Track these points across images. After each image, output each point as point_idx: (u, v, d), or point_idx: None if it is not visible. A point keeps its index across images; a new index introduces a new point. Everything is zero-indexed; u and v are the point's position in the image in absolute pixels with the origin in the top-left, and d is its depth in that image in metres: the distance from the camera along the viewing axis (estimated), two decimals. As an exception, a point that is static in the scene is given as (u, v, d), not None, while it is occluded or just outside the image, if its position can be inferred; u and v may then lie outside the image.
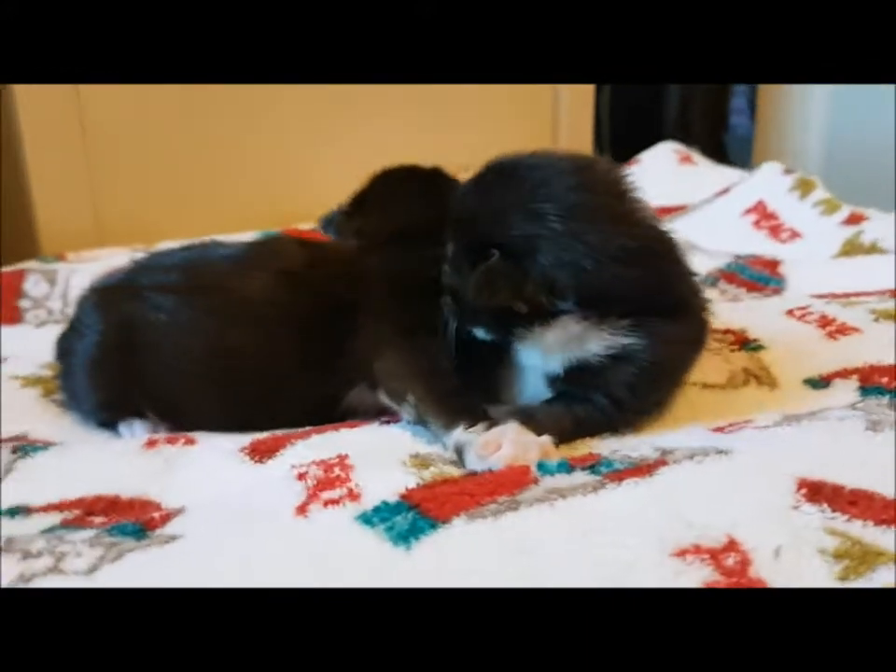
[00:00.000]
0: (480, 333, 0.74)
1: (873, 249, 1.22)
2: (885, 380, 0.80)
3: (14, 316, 1.05)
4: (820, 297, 1.04)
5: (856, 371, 0.83)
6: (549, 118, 1.88)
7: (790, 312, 0.99)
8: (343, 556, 0.53)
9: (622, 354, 0.71)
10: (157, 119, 1.43)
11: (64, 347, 0.86)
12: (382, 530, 0.54)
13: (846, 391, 0.81)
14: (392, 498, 0.58)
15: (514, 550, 0.51)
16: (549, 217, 0.68)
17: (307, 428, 0.74)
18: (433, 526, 0.54)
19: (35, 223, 1.32)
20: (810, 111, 2.21)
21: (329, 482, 0.62)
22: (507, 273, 0.68)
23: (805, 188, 1.39)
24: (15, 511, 0.64)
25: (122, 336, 0.81)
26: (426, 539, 0.53)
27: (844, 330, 0.92)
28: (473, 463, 0.66)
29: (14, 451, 0.72)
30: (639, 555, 0.50)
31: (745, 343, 0.92)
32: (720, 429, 0.73)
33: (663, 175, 1.64)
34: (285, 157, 1.58)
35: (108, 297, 0.84)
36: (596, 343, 0.70)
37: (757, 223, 1.40)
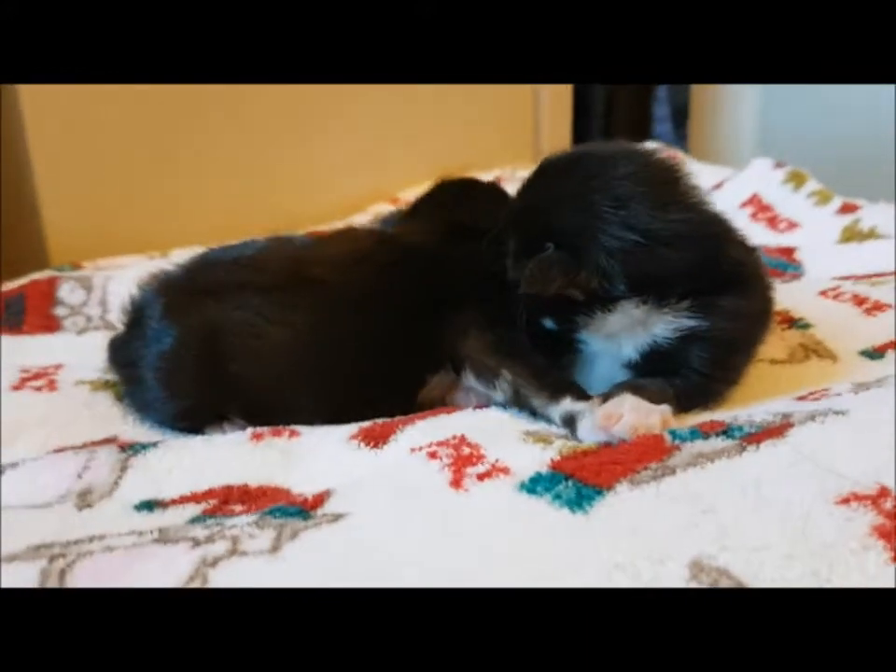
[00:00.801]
0: (547, 324, 0.76)
1: (872, 235, 1.28)
2: (933, 348, 0.85)
3: (51, 325, 1.03)
4: (844, 279, 1.10)
5: (904, 341, 0.88)
6: (530, 118, 1.92)
7: (823, 293, 1.04)
8: (523, 522, 0.54)
9: (689, 335, 0.74)
10: (155, 126, 1.41)
11: (127, 355, 0.83)
12: (550, 498, 0.56)
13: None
14: (543, 469, 0.60)
15: (696, 509, 0.53)
16: (598, 207, 0.71)
17: (406, 416, 0.75)
18: (600, 493, 0.55)
19: (42, 233, 1.29)
20: (741, 113, 2.31)
21: (466, 458, 0.63)
22: (559, 262, 0.70)
23: (797, 180, 1.46)
24: (149, 505, 0.63)
25: (205, 341, 0.78)
26: (599, 504, 0.54)
27: (879, 307, 0.97)
28: (587, 433, 0.69)
29: (123, 449, 0.71)
30: (811, 506, 0.53)
31: (792, 321, 0.96)
32: (803, 398, 0.77)
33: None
34: (280, 159, 1.58)
35: (180, 300, 0.81)
36: (662, 326, 0.74)
37: (754, 215, 1.46)
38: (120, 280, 1.08)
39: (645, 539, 0.51)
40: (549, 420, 0.73)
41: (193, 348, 0.78)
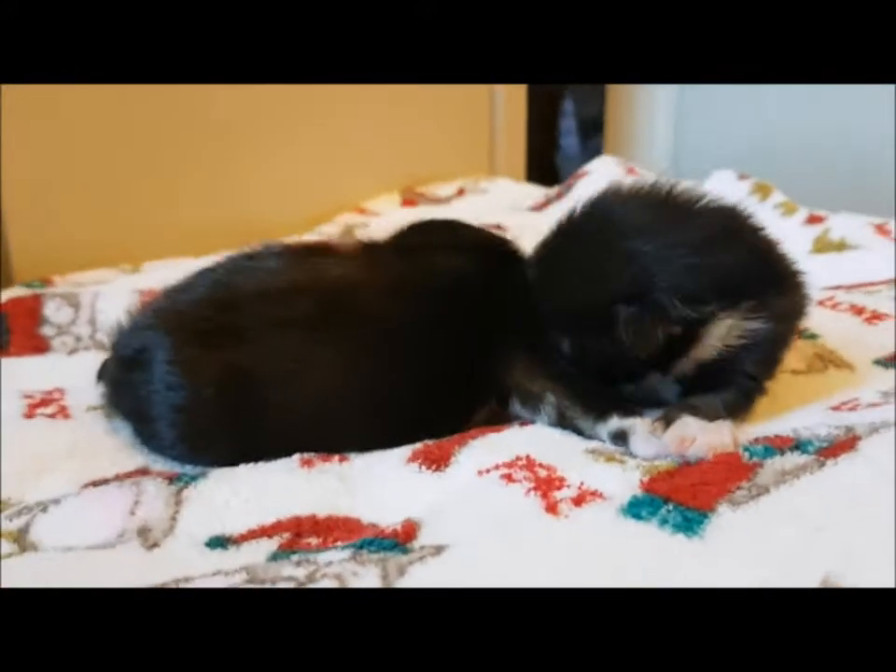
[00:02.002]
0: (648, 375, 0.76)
1: (843, 245, 1.33)
2: (941, 357, 0.89)
3: (40, 345, 0.97)
4: (834, 289, 1.13)
5: (913, 350, 0.91)
6: (486, 130, 1.92)
7: (820, 303, 1.06)
8: (638, 548, 0.53)
9: (749, 337, 0.75)
10: (121, 137, 1.35)
11: (131, 401, 0.76)
12: (657, 523, 0.55)
13: (914, 369, 0.88)
14: (637, 493, 0.59)
15: (807, 528, 0.53)
16: (639, 251, 0.71)
17: (457, 437, 0.73)
18: (705, 516, 0.55)
19: (6, 246, 1.21)
20: (656, 124, 2.39)
21: (547, 481, 0.62)
22: (642, 316, 0.69)
23: (763, 192, 1.50)
24: (221, 542, 0.60)
25: (230, 393, 0.72)
26: (709, 528, 0.54)
27: (879, 316, 1.01)
28: (640, 447, 0.69)
29: (171, 482, 0.67)
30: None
31: (799, 332, 0.98)
32: (837, 408, 0.79)
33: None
34: (246, 170, 1.54)
35: (192, 343, 0.73)
36: (729, 333, 0.74)
37: (722, 226, 1.49)
38: (109, 297, 1.02)
39: (770, 563, 0.50)
40: (597, 439, 0.73)
41: (214, 402, 0.71)
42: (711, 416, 0.71)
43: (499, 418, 0.79)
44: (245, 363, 0.72)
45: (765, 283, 0.76)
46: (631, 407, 0.74)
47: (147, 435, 0.75)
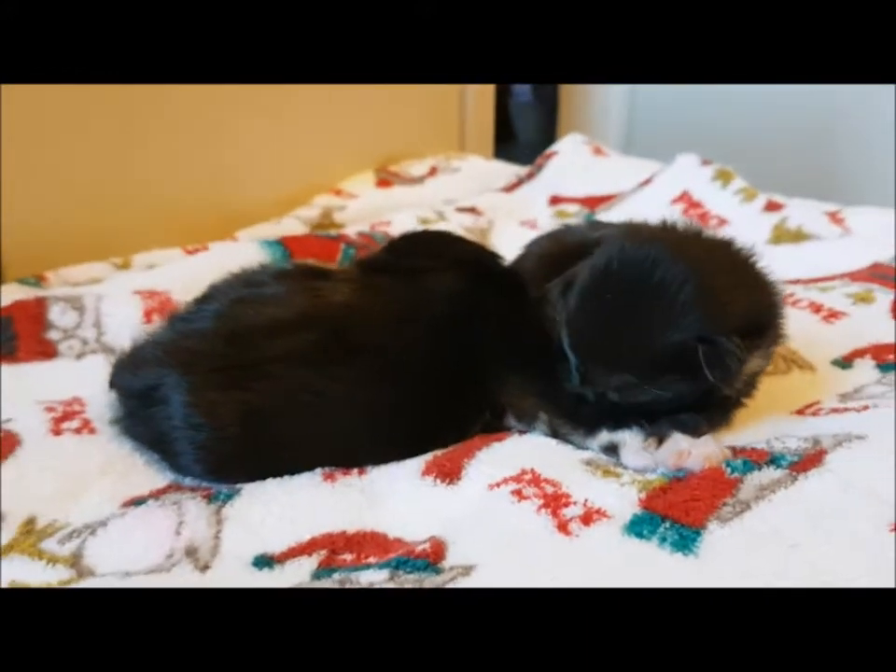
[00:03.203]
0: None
1: (800, 234, 1.42)
2: (891, 357, 0.98)
3: (47, 350, 1.00)
4: (793, 282, 1.22)
5: (865, 350, 1.00)
6: (456, 109, 1.96)
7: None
8: (643, 567, 0.61)
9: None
10: (100, 127, 1.36)
11: (148, 433, 0.79)
12: (658, 542, 0.63)
13: (866, 369, 0.97)
14: (637, 510, 0.67)
15: (784, 545, 0.61)
16: (700, 295, 0.74)
17: (462, 447, 0.80)
18: (698, 533, 0.63)
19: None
20: (610, 105, 2.45)
21: (555, 498, 0.69)
22: (725, 350, 0.72)
23: (724, 178, 1.57)
24: (266, 562, 0.66)
25: (249, 431, 0.75)
26: (702, 546, 0.62)
27: (835, 314, 1.10)
28: (630, 460, 0.76)
29: (209, 500, 0.72)
30: (867, 533, 0.62)
31: (763, 330, 1.07)
32: (801, 412, 0.88)
33: (581, 167, 1.76)
34: (223, 154, 1.56)
35: (206, 384, 0.76)
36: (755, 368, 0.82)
37: (685, 212, 1.56)
38: (112, 301, 1.05)
39: (756, 579, 0.58)
40: (589, 450, 0.80)
41: (235, 441, 0.75)
42: (696, 431, 0.79)
43: (495, 427, 0.85)
44: (263, 401, 0.76)
45: (773, 319, 0.83)
46: (618, 419, 0.80)
47: (173, 464, 0.79)
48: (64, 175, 1.32)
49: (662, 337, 0.73)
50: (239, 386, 0.75)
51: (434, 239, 1.00)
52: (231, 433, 0.75)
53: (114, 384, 0.83)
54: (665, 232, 0.85)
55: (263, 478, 0.76)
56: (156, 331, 0.85)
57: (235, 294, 0.85)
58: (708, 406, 0.81)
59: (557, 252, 0.90)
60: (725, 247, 0.84)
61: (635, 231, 0.84)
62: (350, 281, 0.87)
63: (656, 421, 0.78)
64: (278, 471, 0.77)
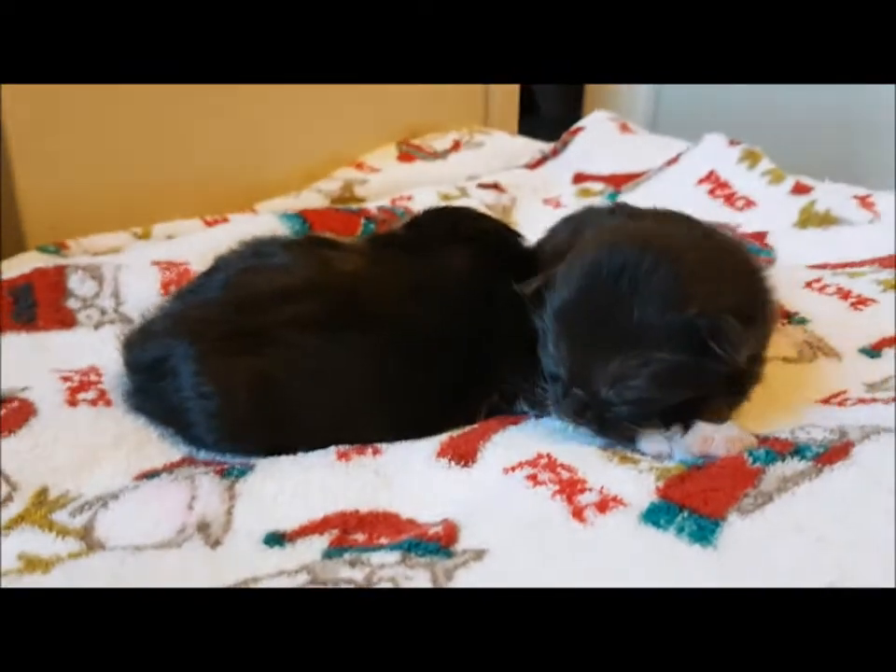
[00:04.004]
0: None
1: (828, 218, 1.38)
2: (920, 346, 0.95)
3: (66, 319, 0.99)
4: (817, 267, 1.19)
5: (894, 339, 0.98)
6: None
7: (808, 284, 1.13)
8: (660, 559, 0.59)
9: None
10: (123, 98, 1.35)
11: (160, 406, 0.79)
12: (675, 532, 0.61)
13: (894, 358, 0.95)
14: (654, 499, 0.65)
15: (809, 538, 0.60)
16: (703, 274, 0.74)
17: (477, 428, 0.79)
18: (717, 524, 0.62)
19: (16, 209, 1.23)
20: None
21: (570, 484, 0.68)
22: (723, 325, 0.71)
23: (752, 159, 1.54)
24: (277, 540, 0.65)
25: (258, 398, 0.75)
26: (721, 537, 0.61)
27: (864, 301, 1.07)
28: (646, 445, 0.75)
29: (222, 475, 0.72)
30: (892, 532, 0.60)
31: (789, 316, 1.05)
32: (827, 401, 0.86)
33: (606, 144, 1.73)
34: (245, 127, 1.54)
35: (215, 351, 0.76)
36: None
37: (712, 192, 1.53)
38: (130, 271, 1.05)
39: (778, 575, 0.57)
40: None
41: (245, 407, 0.75)
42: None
43: (506, 411, 0.84)
44: (270, 365, 0.76)
45: (762, 306, 0.81)
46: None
47: (186, 436, 0.79)
48: (86, 143, 1.31)
49: (662, 314, 0.71)
50: (247, 352, 0.75)
51: (456, 215, 0.98)
52: (241, 399, 0.75)
53: (124, 359, 0.82)
54: (654, 221, 0.83)
55: (275, 445, 0.76)
56: (164, 305, 0.85)
57: (243, 264, 0.84)
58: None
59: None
60: (713, 235, 0.84)
61: (617, 224, 0.82)
62: (361, 253, 0.86)
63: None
64: (289, 439, 0.76)
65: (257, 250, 0.86)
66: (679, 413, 0.75)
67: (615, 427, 0.75)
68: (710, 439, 0.71)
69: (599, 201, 1.58)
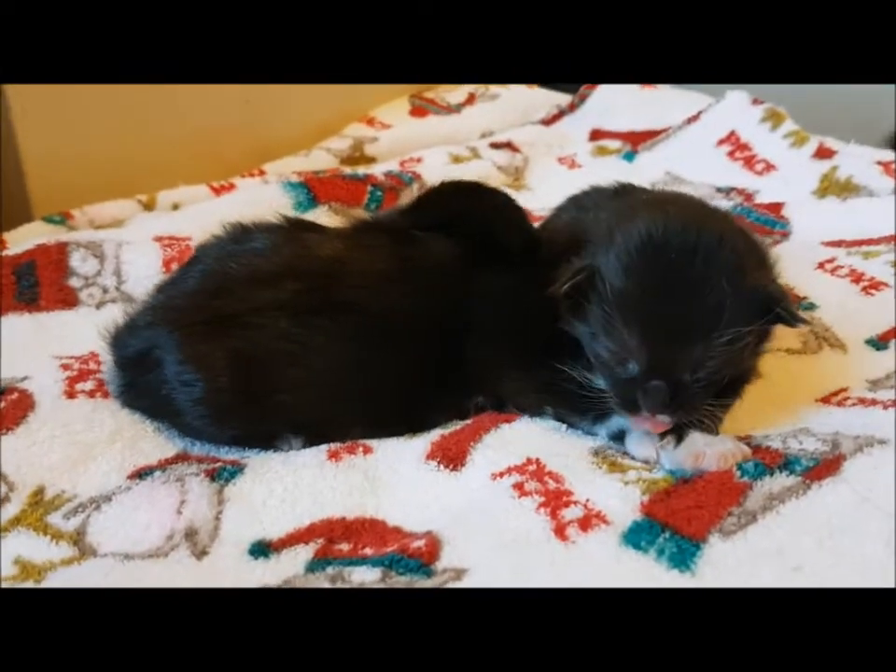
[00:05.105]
0: None
1: (848, 185, 1.35)
2: (930, 338, 0.94)
3: (69, 298, 1.00)
4: (835, 244, 1.16)
5: (903, 331, 0.96)
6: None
7: (820, 265, 1.10)
8: (636, 583, 0.60)
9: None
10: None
11: (148, 398, 0.80)
12: (655, 555, 0.62)
13: (900, 351, 0.93)
14: (638, 517, 0.65)
15: (787, 566, 0.60)
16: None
17: (469, 428, 0.79)
18: (697, 547, 0.62)
19: (23, 177, 1.23)
20: None
21: (556, 495, 0.68)
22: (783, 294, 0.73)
23: (775, 119, 1.49)
24: (263, 550, 0.67)
25: (239, 379, 0.76)
26: (701, 562, 0.61)
27: (875, 286, 1.05)
28: (635, 448, 0.76)
29: (212, 478, 0.73)
30: (881, 555, 0.60)
31: (798, 301, 1.03)
32: (825, 400, 0.85)
33: (626, 99, 1.69)
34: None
35: (195, 336, 0.77)
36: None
37: (731, 154, 1.50)
38: (132, 248, 1.05)
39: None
40: (597, 436, 0.79)
41: (227, 390, 0.76)
42: (714, 420, 0.77)
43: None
44: (249, 348, 0.77)
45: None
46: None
47: (176, 426, 0.80)
48: (91, 106, 1.30)
49: (732, 290, 0.69)
50: (225, 335, 0.76)
51: (458, 197, 0.96)
52: (223, 383, 0.76)
53: (113, 358, 0.83)
54: (676, 204, 0.81)
55: (260, 430, 0.78)
56: (147, 299, 0.86)
57: (222, 251, 0.84)
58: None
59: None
60: (728, 217, 0.82)
61: (635, 207, 0.79)
62: (342, 237, 0.86)
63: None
64: (272, 422, 0.79)
65: (236, 236, 0.86)
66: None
67: (692, 409, 0.72)
68: (702, 454, 0.71)
69: (615, 161, 1.55)
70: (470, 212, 0.90)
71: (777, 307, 0.71)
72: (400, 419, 0.80)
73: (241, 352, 0.76)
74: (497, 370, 0.81)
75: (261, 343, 0.77)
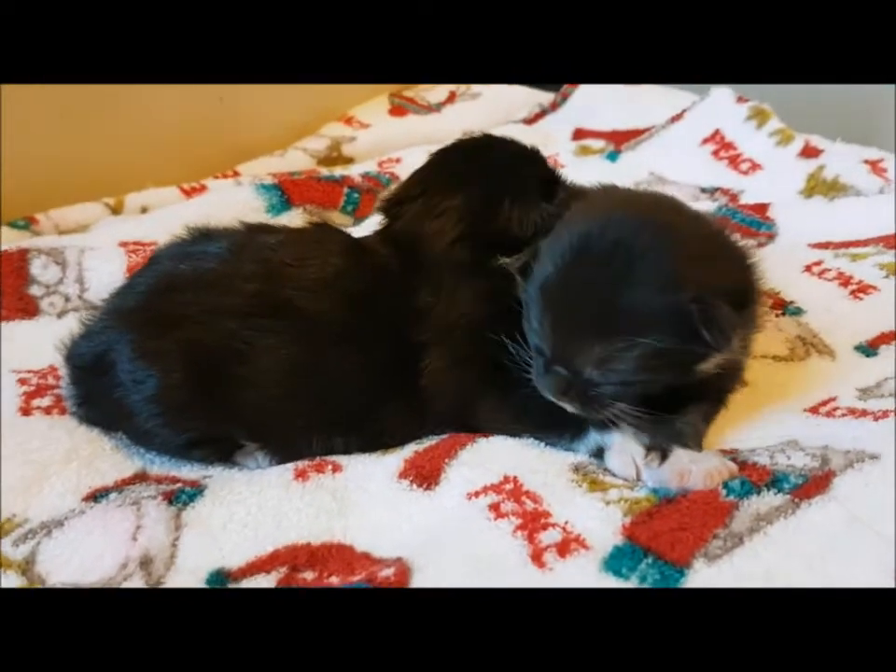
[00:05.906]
0: None
1: (835, 185, 1.32)
2: (921, 345, 0.91)
3: (29, 307, 0.96)
4: (822, 246, 1.13)
5: (893, 335, 0.93)
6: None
7: (807, 268, 1.07)
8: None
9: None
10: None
11: (104, 404, 0.78)
12: (635, 581, 0.58)
13: (891, 358, 0.90)
14: (619, 541, 0.62)
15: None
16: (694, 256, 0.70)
17: (444, 444, 0.76)
18: (681, 573, 0.59)
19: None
20: None
21: (533, 518, 0.65)
22: (716, 311, 0.67)
23: (760, 117, 1.46)
24: (220, 578, 0.63)
25: (191, 375, 0.75)
26: (684, 588, 0.57)
27: (864, 289, 1.02)
28: (615, 465, 0.72)
29: (170, 501, 0.69)
30: (871, 579, 0.57)
31: (784, 306, 1.00)
32: (814, 410, 0.81)
33: (610, 97, 1.65)
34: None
35: (148, 336, 0.76)
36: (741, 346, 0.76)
37: (716, 153, 1.46)
38: (95, 255, 1.01)
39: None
40: (576, 452, 0.76)
41: (180, 385, 0.75)
42: (696, 433, 0.74)
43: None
44: (200, 345, 0.76)
45: (753, 295, 0.77)
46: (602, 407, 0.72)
47: (131, 433, 0.78)
48: (58, 106, 1.25)
49: (654, 297, 0.67)
50: (177, 333, 0.76)
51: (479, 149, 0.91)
52: (176, 379, 0.75)
53: (69, 368, 0.80)
54: (639, 200, 0.79)
55: (216, 433, 0.77)
56: (102, 305, 0.84)
57: (177, 251, 0.83)
58: (700, 396, 0.76)
59: None
60: (699, 218, 0.78)
61: (605, 199, 0.77)
62: (297, 242, 0.83)
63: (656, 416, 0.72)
64: (228, 424, 0.77)
65: (194, 239, 0.84)
66: (662, 402, 0.71)
67: (599, 405, 0.71)
68: (687, 472, 0.68)
69: (598, 161, 1.51)
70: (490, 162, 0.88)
71: (701, 327, 0.66)
72: (356, 425, 0.78)
73: (193, 348, 0.75)
74: (462, 399, 0.78)
75: (212, 342, 0.76)
